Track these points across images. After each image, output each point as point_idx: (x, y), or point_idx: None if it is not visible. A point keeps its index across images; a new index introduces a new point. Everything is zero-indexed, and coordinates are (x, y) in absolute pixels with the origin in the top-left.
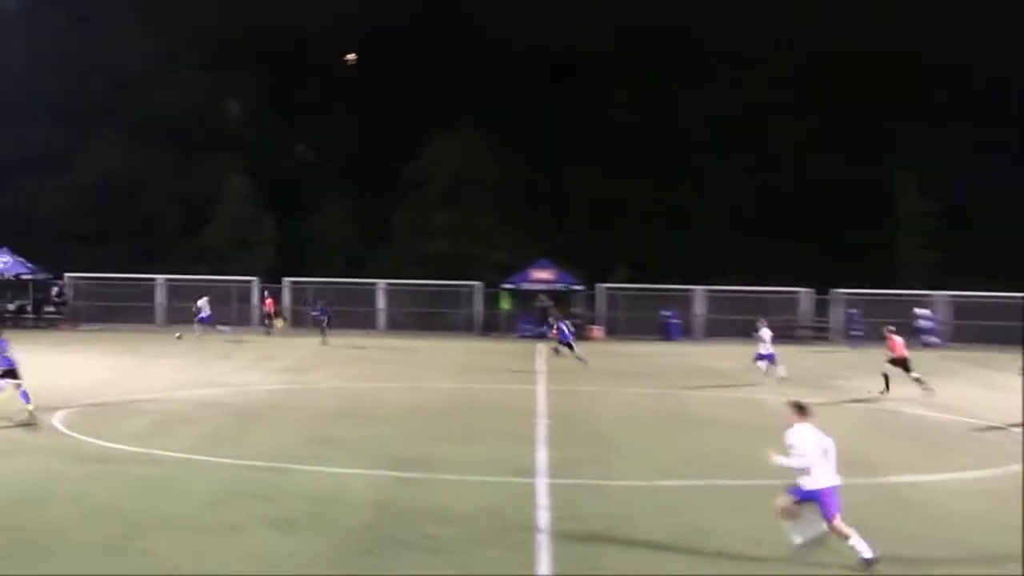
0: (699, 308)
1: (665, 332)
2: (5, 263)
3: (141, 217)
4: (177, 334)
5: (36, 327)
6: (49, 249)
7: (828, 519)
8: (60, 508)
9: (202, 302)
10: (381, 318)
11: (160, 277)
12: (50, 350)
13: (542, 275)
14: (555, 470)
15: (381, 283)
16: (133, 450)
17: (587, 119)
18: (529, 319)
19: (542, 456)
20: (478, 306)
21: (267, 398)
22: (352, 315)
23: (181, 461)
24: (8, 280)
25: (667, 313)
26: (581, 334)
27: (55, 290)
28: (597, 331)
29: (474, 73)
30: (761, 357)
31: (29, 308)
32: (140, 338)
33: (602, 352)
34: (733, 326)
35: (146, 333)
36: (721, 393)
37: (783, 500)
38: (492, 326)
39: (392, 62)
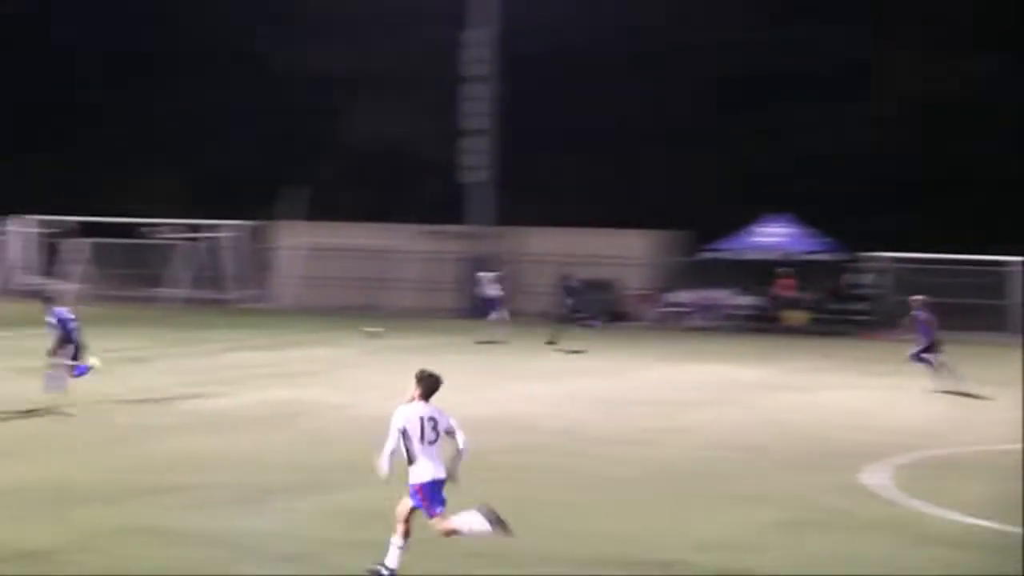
0: None
1: None
2: (786, 235)
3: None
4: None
5: (823, 333)
6: (820, 213)
7: (428, 516)
8: None
9: (488, 276)
10: None
11: (1016, 260)
12: (858, 370)
13: None
14: None
15: None
16: (990, 527)
17: None
18: None
19: None
20: None
21: None
22: None
23: None
24: (780, 261)
25: None
26: None
27: (850, 278)
28: None
29: None
30: None
31: (824, 304)
32: (989, 353)
33: None
34: None
35: (994, 346)
36: None
37: (402, 505)
38: None
39: None
